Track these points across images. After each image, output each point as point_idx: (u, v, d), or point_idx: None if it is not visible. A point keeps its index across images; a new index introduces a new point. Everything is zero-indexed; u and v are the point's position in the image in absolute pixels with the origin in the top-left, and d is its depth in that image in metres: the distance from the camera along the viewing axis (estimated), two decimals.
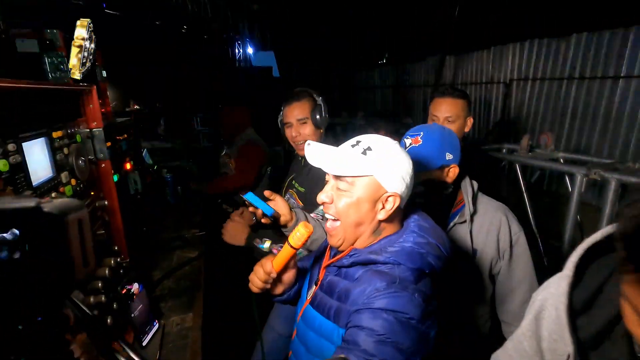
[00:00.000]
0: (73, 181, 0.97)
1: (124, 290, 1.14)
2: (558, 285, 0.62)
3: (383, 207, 0.85)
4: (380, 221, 0.87)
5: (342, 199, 0.86)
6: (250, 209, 1.29)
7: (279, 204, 1.28)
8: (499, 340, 1.42)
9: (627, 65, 4.81)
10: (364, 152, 0.84)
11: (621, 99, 4.91)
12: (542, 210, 3.47)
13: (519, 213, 2.67)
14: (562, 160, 3.00)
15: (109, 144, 1.29)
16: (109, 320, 0.97)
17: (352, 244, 0.90)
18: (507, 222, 1.27)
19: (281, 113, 1.72)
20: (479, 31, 7.16)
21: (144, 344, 1.19)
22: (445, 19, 6.69)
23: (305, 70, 11.48)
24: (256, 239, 1.39)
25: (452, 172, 1.23)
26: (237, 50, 10.14)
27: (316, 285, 0.96)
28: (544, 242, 3.08)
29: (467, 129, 1.79)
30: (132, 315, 1.16)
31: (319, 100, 1.66)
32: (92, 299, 0.91)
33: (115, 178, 1.28)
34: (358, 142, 0.87)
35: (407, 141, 1.25)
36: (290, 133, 1.67)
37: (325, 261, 0.97)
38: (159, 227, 2.28)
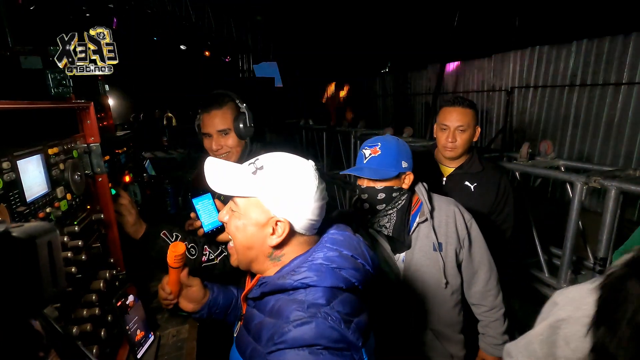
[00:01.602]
0: (69, 196, 0.99)
1: (119, 303, 1.15)
2: (592, 307, 0.61)
3: (273, 233, 0.79)
4: (273, 247, 0.81)
5: (232, 220, 0.83)
6: (192, 214, 1.18)
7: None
8: (471, 324, 1.51)
9: (628, 71, 4.82)
10: (255, 172, 0.79)
11: (623, 106, 4.90)
12: (545, 218, 3.45)
13: (521, 220, 2.64)
14: (562, 168, 2.99)
15: (107, 157, 1.32)
16: (102, 333, 0.98)
17: (252, 268, 0.86)
18: (460, 212, 1.41)
19: (198, 117, 1.54)
20: (480, 39, 7.21)
21: (139, 356, 1.19)
22: (445, 28, 6.75)
23: (308, 79, 11.58)
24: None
25: (408, 178, 1.35)
26: (240, 61, 10.30)
27: (240, 320, 0.91)
28: (546, 251, 3.05)
29: (475, 138, 1.82)
30: (127, 327, 1.17)
31: (243, 107, 1.50)
32: (85, 312, 0.93)
33: (113, 192, 1.30)
34: (256, 160, 0.82)
35: (366, 152, 1.35)
36: (209, 145, 1.50)
37: (244, 292, 0.91)
38: None
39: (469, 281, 1.45)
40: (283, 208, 0.78)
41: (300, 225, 0.80)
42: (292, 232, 0.81)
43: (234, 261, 0.87)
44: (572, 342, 0.66)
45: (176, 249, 0.94)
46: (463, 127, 1.73)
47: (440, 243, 1.37)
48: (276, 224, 0.78)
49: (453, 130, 1.75)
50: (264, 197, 0.78)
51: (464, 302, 1.50)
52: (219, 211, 1.19)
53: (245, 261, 0.85)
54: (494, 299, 1.44)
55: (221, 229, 1.19)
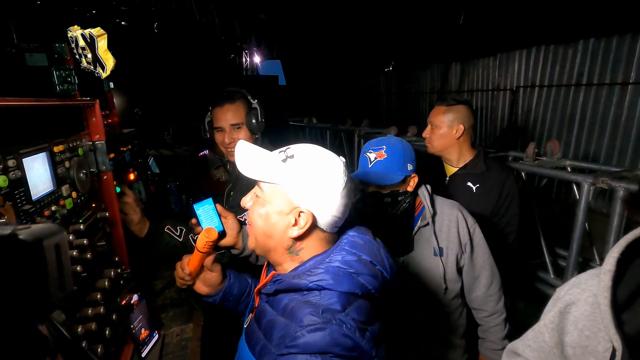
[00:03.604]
0: (74, 194, 0.98)
1: (124, 301, 1.15)
2: (599, 281, 0.60)
3: (295, 224, 0.77)
4: (293, 239, 0.79)
5: (255, 205, 0.82)
6: (193, 220, 1.18)
7: (229, 224, 1.19)
8: (473, 328, 1.50)
9: (635, 71, 4.76)
10: (285, 160, 0.78)
11: (630, 105, 4.85)
12: (551, 219, 3.43)
13: (526, 221, 2.62)
14: (569, 169, 2.96)
15: (112, 155, 1.31)
16: (107, 332, 0.98)
17: (270, 258, 0.86)
18: (463, 216, 1.38)
19: (209, 114, 1.58)
20: (485, 38, 7.15)
21: (143, 355, 1.19)
22: (450, 26, 6.70)
23: (311, 77, 11.54)
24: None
25: (413, 181, 1.34)
26: (244, 60, 10.27)
27: (252, 313, 0.90)
28: (552, 252, 3.03)
29: (457, 136, 1.82)
30: (132, 326, 1.16)
31: (255, 103, 1.54)
32: (90, 311, 0.92)
33: (118, 190, 1.30)
34: (288, 148, 0.81)
35: (371, 155, 1.32)
36: (222, 138, 1.53)
37: (258, 285, 0.89)
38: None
39: (469, 286, 1.42)
40: (308, 200, 0.76)
41: (323, 220, 0.79)
42: (314, 226, 0.79)
43: (251, 243, 0.86)
44: (580, 322, 0.66)
45: (210, 235, 0.93)
46: (434, 124, 1.85)
47: (441, 248, 1.34)
48: (299, 215, 0.77)
49: (429, 126, 1.88)
50: (290, 186, 0.77)
51: (466, 305, 1.48)
52: (220, 216, 1.18)
53: (263, 248, 0.84)
54: (495, 304, 1.42)
55: (222, 234, 1.18)
